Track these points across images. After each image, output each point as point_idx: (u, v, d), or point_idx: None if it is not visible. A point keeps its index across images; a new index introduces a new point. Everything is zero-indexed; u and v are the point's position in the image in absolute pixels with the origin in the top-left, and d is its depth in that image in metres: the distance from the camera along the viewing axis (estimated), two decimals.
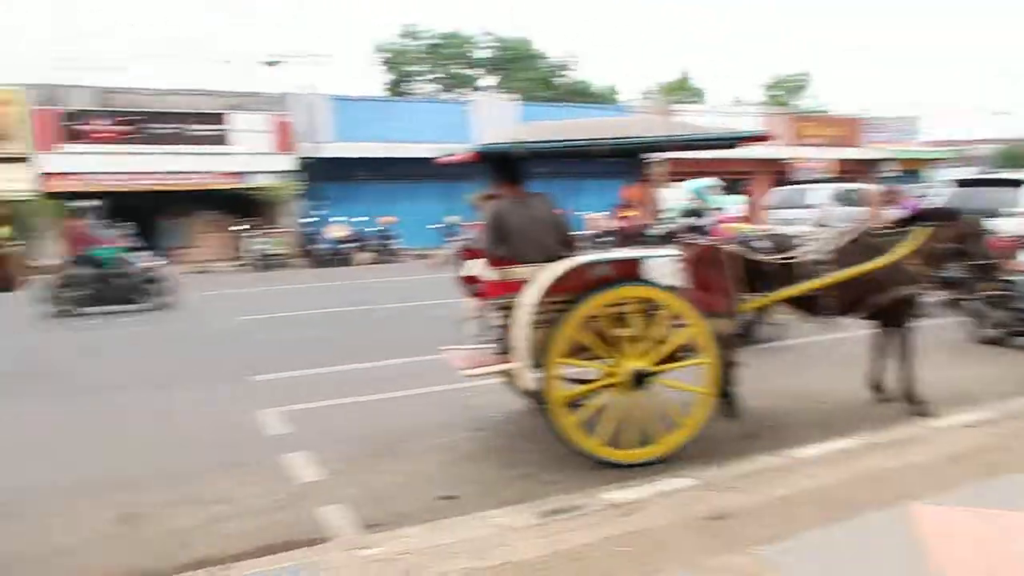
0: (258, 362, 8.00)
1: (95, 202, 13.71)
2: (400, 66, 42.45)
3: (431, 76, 43.36)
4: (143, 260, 13.20)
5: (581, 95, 41.28)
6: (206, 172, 22.86)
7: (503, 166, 4.98)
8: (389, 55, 42.47)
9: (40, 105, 21.24)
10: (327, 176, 24.18)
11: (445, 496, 4.29)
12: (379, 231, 23.68)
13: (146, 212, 22.79)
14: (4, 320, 12.73)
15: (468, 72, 43.72)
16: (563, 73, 44.25)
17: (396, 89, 41.71)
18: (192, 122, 23.22)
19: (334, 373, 7.46)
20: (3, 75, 25.56)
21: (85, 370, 8.24)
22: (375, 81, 50.38)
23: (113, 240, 13.20)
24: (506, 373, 4.88)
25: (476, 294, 5.24)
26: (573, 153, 5.00)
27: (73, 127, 21.60)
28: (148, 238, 22.95)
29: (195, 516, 4.15)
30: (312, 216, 24.02)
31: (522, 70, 42.02)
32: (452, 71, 43.25)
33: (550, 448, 4.76)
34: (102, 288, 12.51)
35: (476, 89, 40.32)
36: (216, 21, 66.34)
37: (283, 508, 4.22)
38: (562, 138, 4.80)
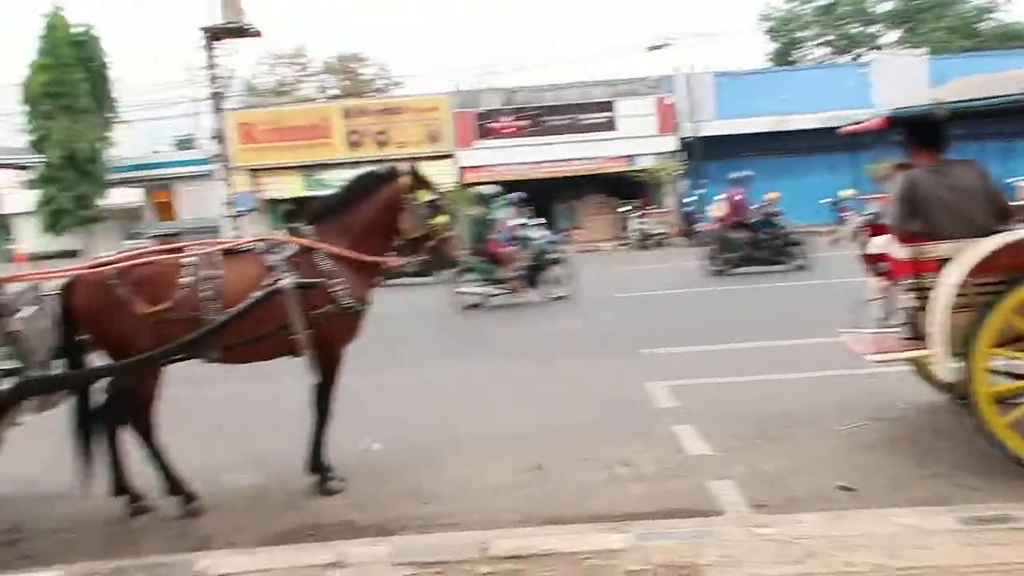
0: (646, 336, 8.36)
1: (502, 190, 15.12)
2: (787, 33, 40.25)
3: (821, 40, 40.35)
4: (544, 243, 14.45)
5: (1015, 39, 34.74)
6: (595, 158, 24.43)
7: (920, 131, 4.45)
8: (774, 23, 40.53)
9: (461, 108, 24.67)
10: (709, 155, 24.09)
11: (844, 487, 4.04)
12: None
13: (543, 198, 25.21)
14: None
15: (866, 30, 39.72)
16: (988, 16, 37.77)
17: (782, 58, 39.69)
18: (583, 112, 24.90)
19: (721, 351, 7.48)
20: (434, 84, 30.53)
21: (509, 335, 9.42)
22: (758, 53, 48.63)
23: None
24: (917, 361, 4.40)
25: (882, 274, 4.79)
26: (1010, 111, 4.25)
27: (485, 125, 24.71)
28: (546, 222, 25.40)
29: (596, 474, 4.51)
30: (693, 195, 24.14)
31: (934, 19, 36.84)
32: (847, 31, 39.69)
33: (968, 448, 4.20)
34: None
35: (875, 48, 36.49)
36: (600, 7, 69.77)
37: (675, 477, 4.38)
38: (998, 93, 4.11)
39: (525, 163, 24.07)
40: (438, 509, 4.22)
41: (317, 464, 4.60)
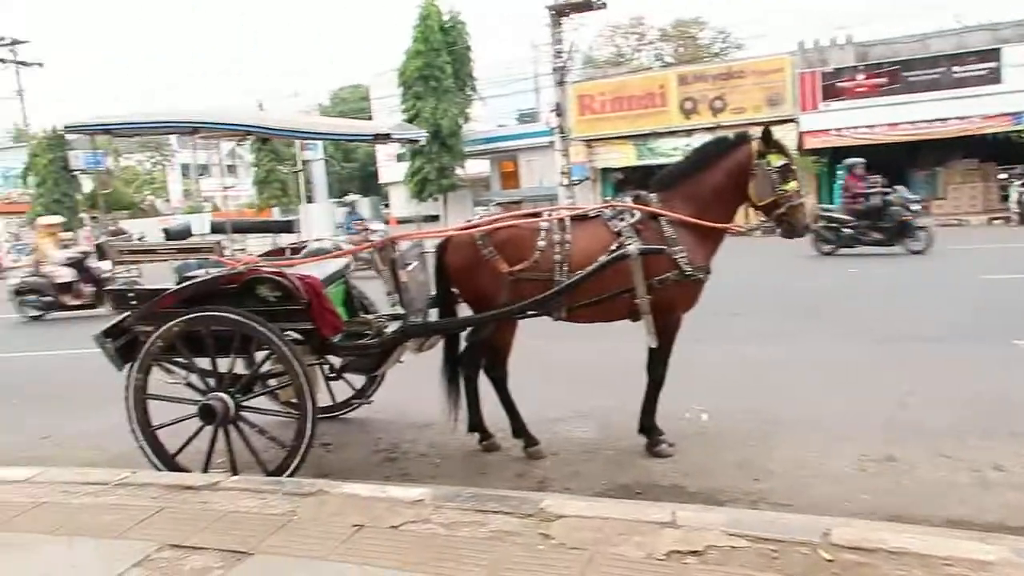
0: (1019, 326, 7.16)
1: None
2: None
3: None
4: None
5: None
6: (969, 116, 21.12)
7: None
8: None
9: (806, 68, 22.95)
10: None
11: None
12: None
13: (897, 164, 22.58)
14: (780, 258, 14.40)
15: None
16: None
17: None
18: (957, 63, 21.63)
19: None
20: (778, 45, 28.63)
21: (847, 312, 8.74)
22: None
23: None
24: None
25: None
26: None
27: (832, 85, 22.71)
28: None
29: (958, 475, 4.04)
30: None
31: None
32: None
33: None
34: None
35: None
36: None
37: None
38: None
39: (878, 125, 21.71)
40: (770, 487, 4.10)
41: (648, 426, 4.73)
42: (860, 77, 22.47)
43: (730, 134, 4.73)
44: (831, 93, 22.68)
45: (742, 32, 50.97)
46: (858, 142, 22.10)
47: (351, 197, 18.95)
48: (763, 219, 4.70)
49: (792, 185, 4.48)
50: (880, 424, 4.92)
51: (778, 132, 4.71)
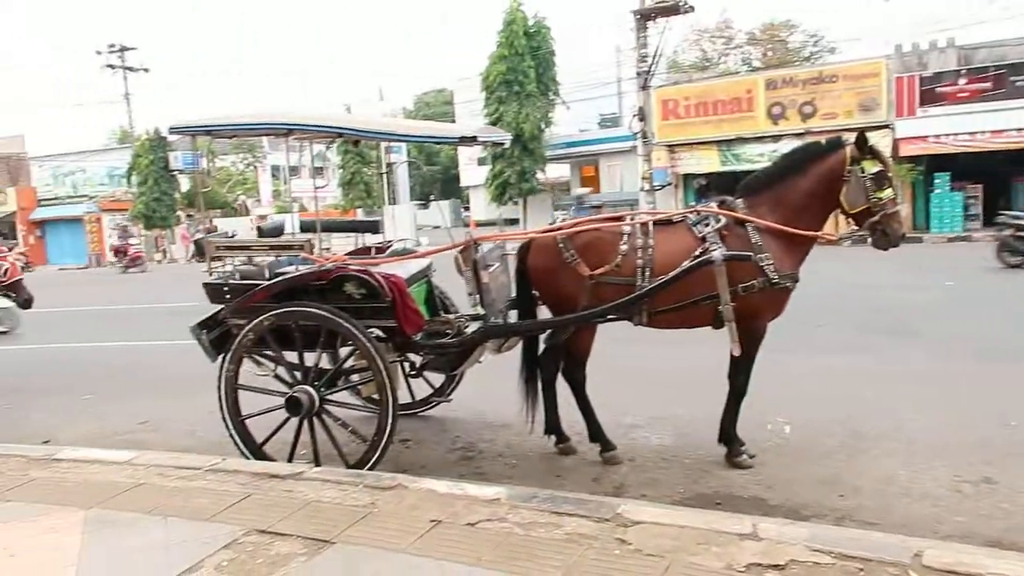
0: None
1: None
2: None
3: None
4: None
5: None
6: None
7: None
8: None
9: (903, 72, 22.00)
10: None
11: None
12: None
13: (1000, 174, 21.42)
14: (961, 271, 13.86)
15: None
16: None
17: None
18: None
19: None
20: (873, 49, 27.52)
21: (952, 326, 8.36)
22: None
23: None
24: None
25: None
26: None
27: (931, 90, 21.67)
28: (1000, 202, 21.58)
29: None
30: None
31: None
32: None
33: None
34: None
35: None
36: None
37: None
38: None
39: (981, 132, 20.59)
40: (857, 503, 3.96)
41: (729, 436, 4.64)
42: (962, 82, 21.35)
43: (822, 139, 4.59)
44: (930, 98, 21.64)
45: (835, 35, 49.35)
46: (958, 150, 21.06)
47: (582, 190, 18.28)
48: (855, 228, 4.52)
49: (887, 192, 4.32)
50: (977, 444, 4.68)
51: (872, 138, 4.53)
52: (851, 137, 4.43)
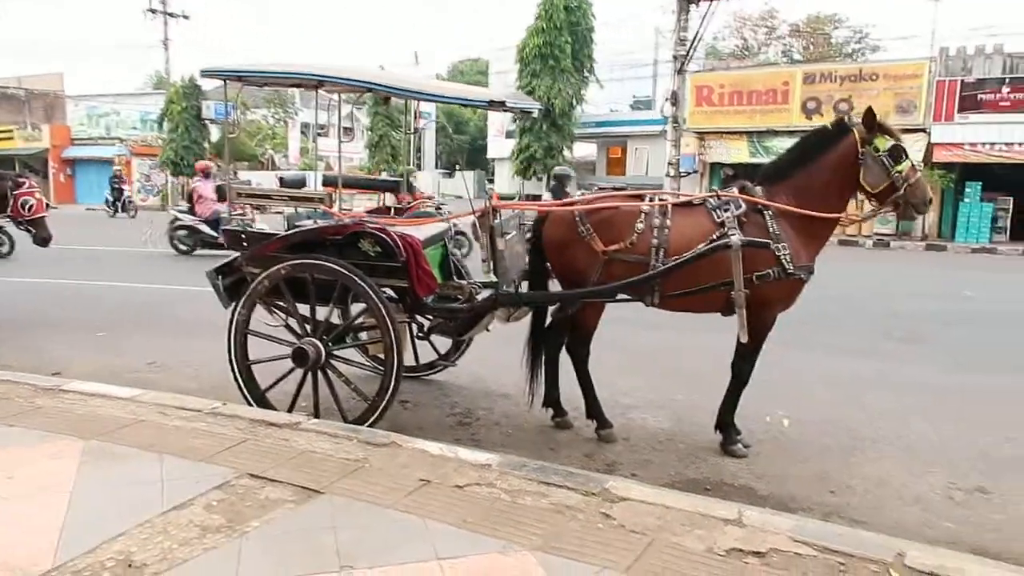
0: None
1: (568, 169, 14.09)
2: None
3: None
4: None
5: None
6: None
7: None
8: None
9: (945, 76, 21.53)
10: None
11: None
12: None
13: None
14: None
15: None
16: None
17: None
18: None
19: None
20: (919, 50, 26.74)
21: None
22: None
23: None
24: None
25: None
26: None
27: (971, 96, 21.22)
28: None
29: None
30: None
31: None
32: None
33: None
34: None
35: None
36: None
37: None
38: None
39: (1019, 143, 20.14)
40: (846, 501, 3.96)
41: (726, 424, 4.64)
42: (1005, 90, 20.87)
43: (828, 123, 4.51)
44: (969, 104, 21.18)
45: (881, 33, 48.29)
46: (993, 160, 20.66)
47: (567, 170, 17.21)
48: (876, 206, 4.42)
49: (905, 164, 4.23)
50: (976, 455, 4.64)
51: (909, 143, 4.42)
52: (855, 118, 4.35)
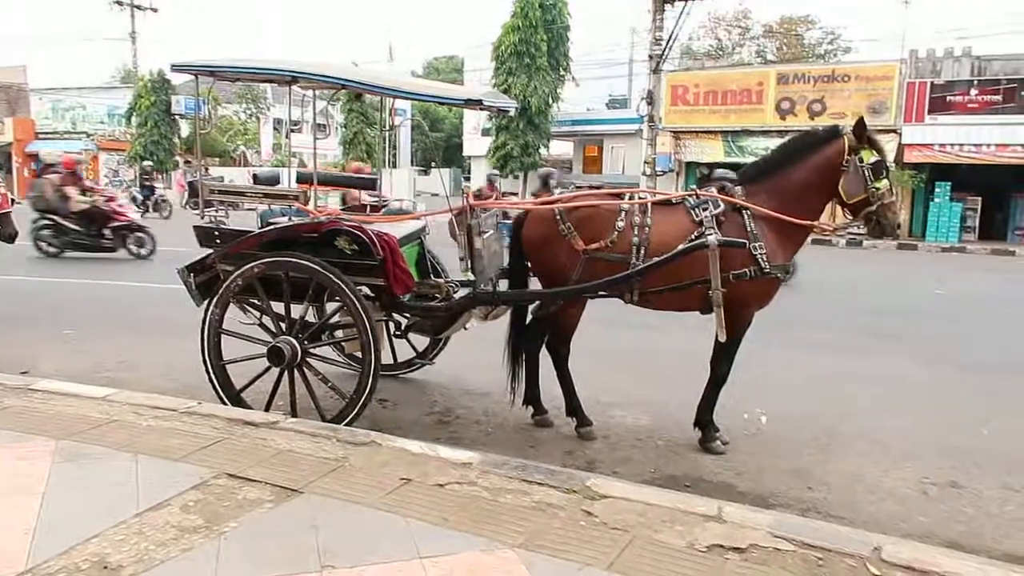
0: None
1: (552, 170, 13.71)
2: None
3: None
4: None
5: None
6: None
7: None
8: None
9: (915, 78, 21.87)
10: None
11: None
12: None
13: (1000, 188, 21.42)
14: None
15: None
16: None
17: None
18: None
19: None
20: (890, 51, 27.09)
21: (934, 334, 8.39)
22: None
23: None
24: None
25: None
26: None
27: (941, 98, 21.59)
28: (997, 215, 21.62)
29: None
30: None
31: None
32: None
33: None
34: None
35: None
36: None
37: None
38: None
39: (987, 145, 20.56)
40: (823, 497, 4.00)
41: (704, 421, 4.66)
42: (973, 92, 21.26)
43: (820, 127, 4.57)
44: (939, 106, 21.55)
45: (852, 34, 48.94)
46: (962, 160, 21.04)
47: (546, 169, 16.50)
48: (850, 218, 4.51)
49: (884, 183, 4.31)
50: (949, 449, 4.72)
51: (880, 141, 4.50)
52: (847, 126, 4.41)
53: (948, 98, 21.52)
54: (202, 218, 4.99)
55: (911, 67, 22.05)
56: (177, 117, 35.18)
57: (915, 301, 10.92)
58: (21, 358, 6.20)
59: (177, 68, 4.95)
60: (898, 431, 5.05)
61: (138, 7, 36.65)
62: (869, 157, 4.29)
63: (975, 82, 21.32)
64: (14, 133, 37.87)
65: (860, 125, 4.33)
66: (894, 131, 21.52)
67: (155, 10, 37.25)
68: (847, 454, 4.63)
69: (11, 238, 8.15)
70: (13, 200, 8.82)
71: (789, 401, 5.64)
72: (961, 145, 20.94)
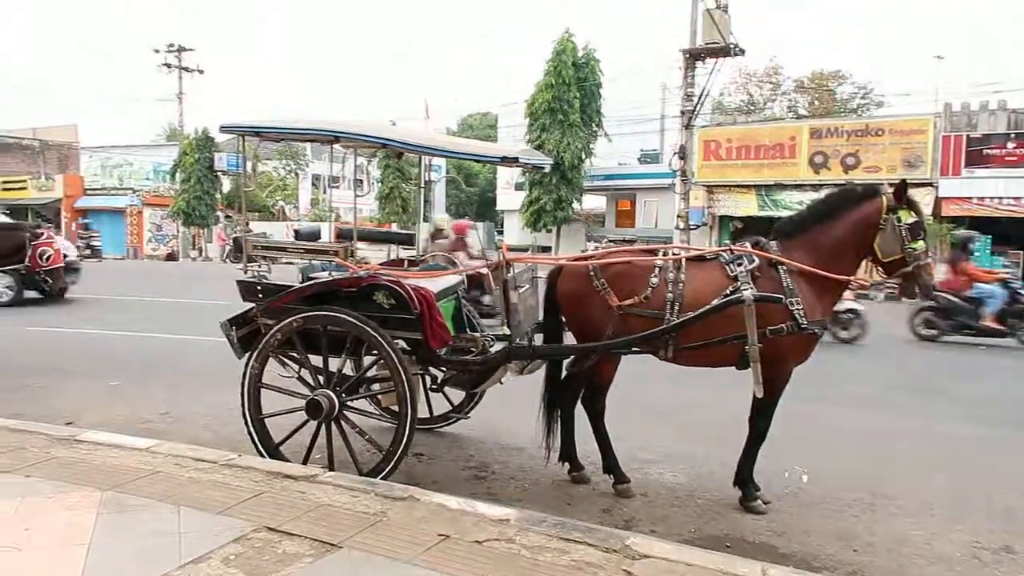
0: None
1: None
2: None
3: None
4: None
5: None
6: None
7: None
8: None
9: (951, 131, 21.78)
10: None
11: None
12: None
13: None
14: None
15: None
16: None
17: None
18: None
19: None
20: (923, 106, 27.02)
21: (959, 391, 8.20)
22: None
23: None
24: None
25: None
26: None
27: (977, 151, 21.44)
28: None
29: None
30: None
31: None
32: None
33: None
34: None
35: None
36: None
37: None
38: None
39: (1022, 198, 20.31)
40: (870, 560, 3.89)
41: (744, 479, 4.59)
42: (1011, 145, 21.09)
43: (858, 186, 4.59)
44: (976, 159, 21.40)
45: (884, 88, 48.99)
46: (1002, 214, 20.76)
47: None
48: (885, 276, 4.50)
49: (921, 244, 4.30)
50: (1000, 512, 4.57)
51: (915, 195, 4.50)
52: (888, 186, 4.43)
53: (985, 151, 21.35)
54: (245, 273, 5.13)
55: (946, 120, 21.97)
56: (219, 174, 36.28)
57: (958, 355, 10.67)
58: (67, 409, 6.34)
59: (225, 129, 5.15)
60: (943, 491, 4.92)
61: (186, 69, 38.21)
62: (907, 217, 4.30)
63: (1012, 135, 21.14)
64: (64, 189, 39.30)
65: (902, 186, 4.35)
66: (930, 184, 21.36)
67: (201, 71, 38.83)
68: (892, 514, 4.51)
69: (61, 292, 8.40)
70: (65, 256, 9.13)
71: (830, 458, 5.52)
72: (1000, 199, 20.72)
